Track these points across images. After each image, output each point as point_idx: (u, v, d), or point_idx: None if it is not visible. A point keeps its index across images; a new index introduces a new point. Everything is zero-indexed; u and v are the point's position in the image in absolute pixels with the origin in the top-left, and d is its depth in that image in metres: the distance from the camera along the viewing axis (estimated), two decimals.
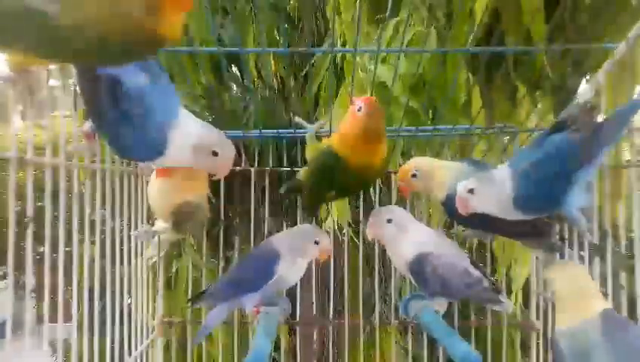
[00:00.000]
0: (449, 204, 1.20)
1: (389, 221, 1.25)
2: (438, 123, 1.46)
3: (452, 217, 1.30)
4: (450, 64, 1.44)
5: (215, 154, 0.96)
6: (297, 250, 1.23)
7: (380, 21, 1.53)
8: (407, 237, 1.24)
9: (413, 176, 1.24)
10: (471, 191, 1.06)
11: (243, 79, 2.43)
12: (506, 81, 1.51)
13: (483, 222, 1.19)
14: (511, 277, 1.70)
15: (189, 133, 0.93)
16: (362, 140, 1.09)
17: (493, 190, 1.05)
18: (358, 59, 1.46)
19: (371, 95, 1.26)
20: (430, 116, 1.58)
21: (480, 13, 1.29)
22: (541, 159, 1.02)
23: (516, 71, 1.45)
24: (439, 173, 1.23)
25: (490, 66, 1.44)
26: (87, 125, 0.96)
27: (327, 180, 1.18)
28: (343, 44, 1.32)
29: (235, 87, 2.66)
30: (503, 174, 1.05)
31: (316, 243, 1.23)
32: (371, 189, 1.59)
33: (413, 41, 1.50)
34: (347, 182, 1.17)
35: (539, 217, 1.15)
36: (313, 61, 2.19)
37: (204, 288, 1.61)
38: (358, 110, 1.06)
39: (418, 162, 1.27)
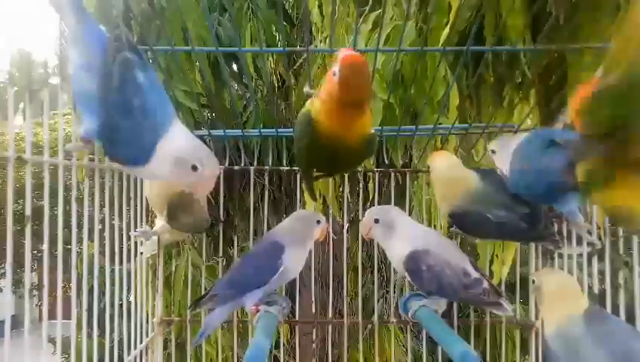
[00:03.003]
0: (456, 220, 1.24)
1: (377, 221, 1.26)
2: (416, 118, 1.46)
3: (464, 232, 1.31)
4: (429, 59, 1.44)
5: (194, 168, 0.91)
6: (301, 236, 1.24)
7: (361, 14, 1.53)
8: (400, 235, 1.24)
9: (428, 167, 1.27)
10: (493, 152, 1.23)
11: (242, 77, 2.44)
12: (492, 79, 1.51)
13: (500, 232, 1.21)
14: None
15: (175, 144, 0.90)
16: (337, 109, 0.97)
17: (507, 154, 1.17)
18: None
19: None
20: (406, 111, 1.58)
21: (455, 7, 1.28)
22: (533, 171, 1.07)
23: (502, 68, 1.44)
24: (448, 183, 1.22)
25: (477, 63, 1.44)
26: (84, 128, 0.93)
27: (304, 146, 1.08)
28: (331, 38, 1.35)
29: (234, 85, 2.66)
30: (509, 152, 1.15)
31: (318, 222, 1.26)
32: (371, 187, 1.59)
33: (391, 35, 1.49)
34: (320, 151, 1.07)
35: (549, 220, 1.17)
36: (303, 58, 2.19)
37: (203, 286, 1.63)
38: (334, 75, 0.91)
39: (436, 160, 1.26)
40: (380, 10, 1.51)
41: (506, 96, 1.51)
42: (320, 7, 1.80)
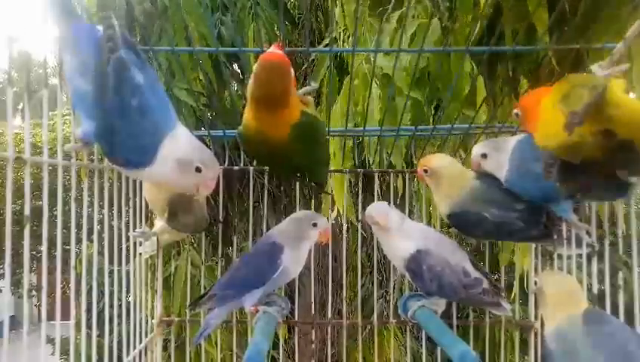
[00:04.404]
0: (455, 221, 1.23)
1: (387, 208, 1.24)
2: (442, 114, 1.47)
3: (463, 233, 1.30)
4: (453, 56, 1.45)
5: (198, 170, 0.92)
6: (298, 237, 1.23)
7: (383, 13, 1.54)
8: (404, 233, 1.23)
9: (425, 171, 1.24)
10: (484, 155, 1.16)
11: (243, 77, 2.44)
12: (509, 75, 1.51)
13: (498, 232, 1.20)
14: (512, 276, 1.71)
15: (178, 146, 0.90)
16: (256, 107, 0.98)
17: (502, 157, 1.14)
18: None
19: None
20: (434, 107, 1.59)
21: (483, 5, 1.29)
22: (527, 171, 1.09)
23: (519, 65, 1.45)
24: (447, 184, 1.21)
25: (493, 60, 1.45)
26: (81, 130, 0.92)
27: (256, 158, 1.12)
28: (351, 37, 1.36)
29: (235, 85, 2.66)
30: (508, 152, 1.13)
31: (314, 225, 1.23)
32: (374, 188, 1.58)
33: (417, 33, 1.50)
34: (264, 156, 1.09)
35: (550, 220, 1.17)
36: (313, 58, 2.20)
37: (202, 286, 1.63)
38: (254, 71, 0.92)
39: (435, 160, 1.25)
40: (403, 9, 1.51)
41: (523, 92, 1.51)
42: (343, 5, 1.80)
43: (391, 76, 1.26)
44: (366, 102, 1.41)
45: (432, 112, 1.66)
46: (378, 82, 1.52)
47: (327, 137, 1.33)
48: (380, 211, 1.25)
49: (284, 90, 0.94)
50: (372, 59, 1.45)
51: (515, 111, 1.08)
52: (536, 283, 1.06)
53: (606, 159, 0.90)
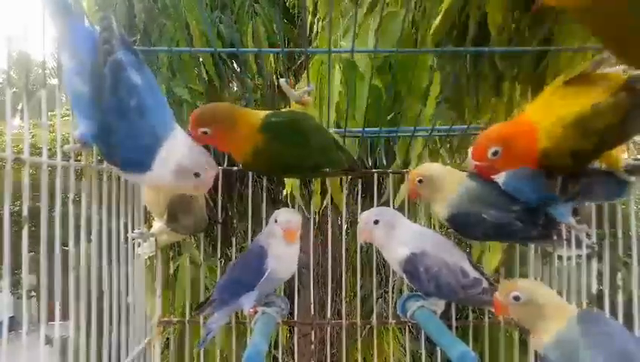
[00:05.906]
0: (454, 223, 1.22)
1: (376, 222, 1.23)
2: (399, 105, 1.46)
3: (463, 235, 1.30)
4: (420, 47, 1.46)
5: (197, 175, 0.94)
6: (280, 237, 1.21)
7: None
8: (398, 236, 1.22)
9: (420, 181, 1.22)
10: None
11: (242, 76, 2.44)
12: (491, 70, 1.50)
13: (497, 233, 1.20)
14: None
15: (177, 150, 0.91)
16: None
17: None
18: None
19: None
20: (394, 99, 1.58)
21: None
22: (522, 176, 1.10)
23: (504, 63, 1.44)
24: (443, 188, 1.20)
25: (477, 58, 1.44)
26: (79, 132, 0.93)
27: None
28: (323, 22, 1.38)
29: (235, 84, 2.66)
30: None
31: (275, 221, 1.21)
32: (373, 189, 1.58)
33: (386, 22, 1.48)
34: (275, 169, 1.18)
35: (549, 221, 1.17)
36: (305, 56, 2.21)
37: (202, 287, 1.62)
38: None
39: (427, 168, 1.24)
40: None
41: (506, 92, 1.51)
42: None
43: (353, 62, 1.25)
44: (327, 87, 1.39)
45: (392, 103, 1.62)
46: (340, 66, 1.51)
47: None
48: (362, 230, 1.24)
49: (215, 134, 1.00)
50: (339, 43, 1.48)
51: (494, 149, 0.99)
52: (518, 297, 0.97)
53: (623, 122, 0.91)
